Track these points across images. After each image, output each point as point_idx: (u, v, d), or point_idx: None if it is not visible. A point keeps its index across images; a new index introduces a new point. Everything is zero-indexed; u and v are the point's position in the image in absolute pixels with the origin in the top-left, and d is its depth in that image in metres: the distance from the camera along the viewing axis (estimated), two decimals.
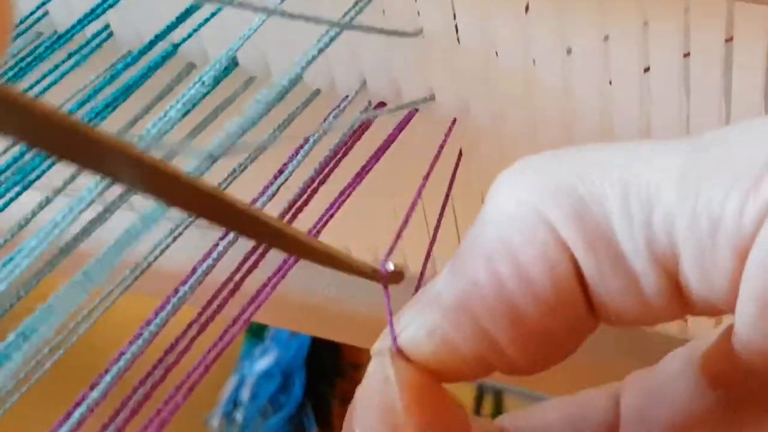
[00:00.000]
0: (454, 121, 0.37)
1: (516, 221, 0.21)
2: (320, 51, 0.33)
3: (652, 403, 0.23)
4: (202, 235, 0.36)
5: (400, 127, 0.36)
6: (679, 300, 0.21)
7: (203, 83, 0.33)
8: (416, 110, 0.36)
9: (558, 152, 0.22)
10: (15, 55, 0.38)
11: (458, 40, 0.34)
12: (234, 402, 0.92)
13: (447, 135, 0.36)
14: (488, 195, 0.22)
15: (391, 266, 0.24)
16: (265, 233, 0.20)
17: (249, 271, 0.31)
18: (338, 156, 0.35)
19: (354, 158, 0.35)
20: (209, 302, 0.31)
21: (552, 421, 0.25)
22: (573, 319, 0.21)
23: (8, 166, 0.33)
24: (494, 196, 0.22)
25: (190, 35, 0.37)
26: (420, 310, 0.22)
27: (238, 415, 0.91)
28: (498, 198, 0.22)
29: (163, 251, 0.32)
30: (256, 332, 0.93)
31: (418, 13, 0.34)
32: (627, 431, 0.24)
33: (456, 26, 0.34)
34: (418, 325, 0.22)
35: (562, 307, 0.21)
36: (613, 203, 0.20)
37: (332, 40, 0.33)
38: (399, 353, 0.22)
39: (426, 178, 0.34)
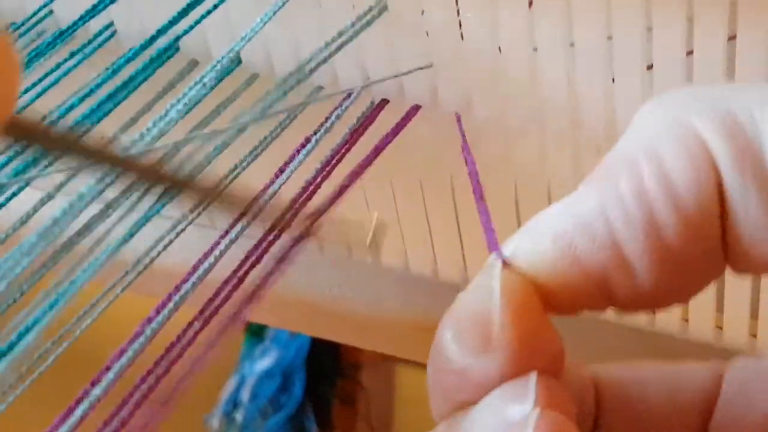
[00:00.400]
0: (458, 117, 0.36)
1: (663, 131, 0.20)
2: (330, 55, 0.33)
3: (759, 387, 0.23)
4: (203, 233, 0.36)
5: (403, 124, 0.36)
6: None
7: (205, 82, 0.33)
8: (419, 106, 0.36)
9: (705, 84, 0.21)
10: (20, 51, 0.38)
11: (462, 36, 0.34)
12: (234, 402, 0.92)
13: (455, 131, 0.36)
14: (634, 118, 0.21)
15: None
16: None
17: (252, 266, 0.31)
18: (340, 153, 0.35)
19: (356, 155, 0.35)
20: (210, 300, 0.31)
21: (648, 379, 0.24)
22: (706, 246, 0.20)
23: (8, 161, 0.33)
24: (640, 115, 0.21)
25: (190, 29, 0.37)
26: (546, 219, 0.21)
27: (238, 416, 0.91)
28: (644, 115, 0.21)
29: (165, 247, 0.32)
30: (256, 332, 0.93)
31: (422, 12, 0.34)
32: (725, 408, 0.23)
33: (459, 22, 0.34)
34: (544, 231, 0.20)
35: (700, 225, 0.20)
36: (765, 125, 0.19)
37: (343, 44, 0.33)
38: (508, 266, 0.21)
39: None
